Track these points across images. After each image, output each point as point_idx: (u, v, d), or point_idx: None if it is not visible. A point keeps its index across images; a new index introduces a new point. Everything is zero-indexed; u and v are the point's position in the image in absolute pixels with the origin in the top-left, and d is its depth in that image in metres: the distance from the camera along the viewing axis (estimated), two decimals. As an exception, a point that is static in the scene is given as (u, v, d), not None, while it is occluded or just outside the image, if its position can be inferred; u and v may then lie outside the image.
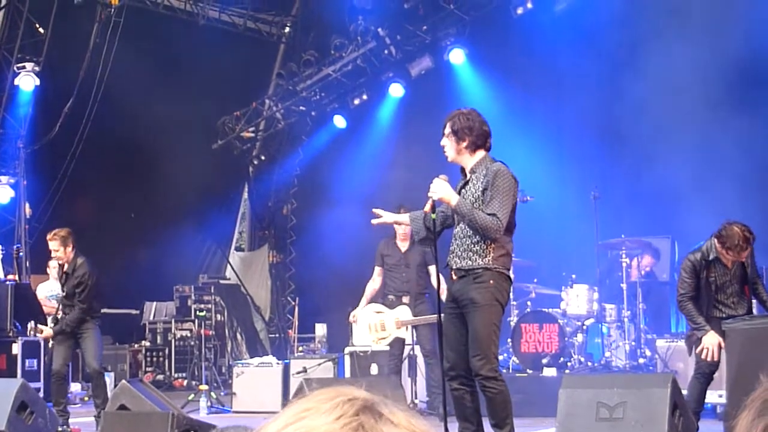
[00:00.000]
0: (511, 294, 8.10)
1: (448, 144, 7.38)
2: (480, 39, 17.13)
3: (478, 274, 7.14)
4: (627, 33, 14.46)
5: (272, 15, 21.19)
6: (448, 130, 7.37)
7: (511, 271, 7.46)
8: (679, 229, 13.24)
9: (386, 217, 8.19)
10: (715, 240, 8.68)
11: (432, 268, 11.22)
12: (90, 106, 17.58)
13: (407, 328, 11.53)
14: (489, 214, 6.99)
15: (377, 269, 12.10)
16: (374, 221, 8.23)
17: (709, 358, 8.61)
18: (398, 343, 11.78)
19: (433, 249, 7.44)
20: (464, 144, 7.32)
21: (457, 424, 7.34)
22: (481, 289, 7.13)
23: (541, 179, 13.92)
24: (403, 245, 11.94)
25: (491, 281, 7.14)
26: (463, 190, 7.28)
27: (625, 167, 14.52)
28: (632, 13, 14.46)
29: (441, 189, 7.11)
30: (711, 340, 8.60)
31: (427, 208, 7.22)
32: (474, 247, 7.20)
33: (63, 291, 11.32)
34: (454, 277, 7.31)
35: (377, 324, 11.70)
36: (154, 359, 18.38)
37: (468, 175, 7.36)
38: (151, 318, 19.16)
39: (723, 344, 8.54)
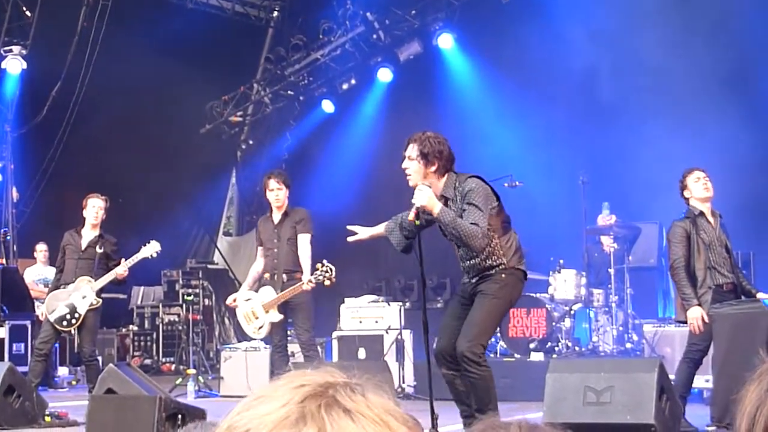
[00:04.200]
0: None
1: (413, 167, 7.22)
2: (469, 24, 17.12)
3: (494, 274, 7.25)
4: (617, 18, 14.44)
5: (260, -1, 21.15)
6: (415, 152, 7.20)
7: (523, 264, 7.48)
8: (666, 215, 13.25)
9: (362, 233, 8.15)
10: (685, 185, 9.08)
11: (302, 237, 10.55)
12: (77, 90, 17.54)
13: (278, 309, 10.43)
14: (471, 224, 6.99)
15: (258, 249, 10.95)
16: (350, 239, 8.19)
17: (695, 332, 8.65)
18: (277, 330, 10.62)
19: (418, 255, 7.28)
20: (432, 168, 7.20)
21: (442, 407, 7.34)
22: (491, 282, 7.25)
23: (529, 164, 13.93)
24: (277, 216, 10.72)
25: (503, 275, 7.22)
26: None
27: (614, 152, 14.51)
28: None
29: (424, 197, 7.00)
30: (694, 313, 8.63)
31: (411, 216, 7.09)
32: (486, 262, 7.28)
33: (100, 249, 11.36)
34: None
35: (249, 313, 10.74)
36: (142, 343, 18.37)
37: (442, 202, 7.21)
38: (139, 302, 19.17)
39: (705, 317, 8.57)
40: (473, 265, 7.37)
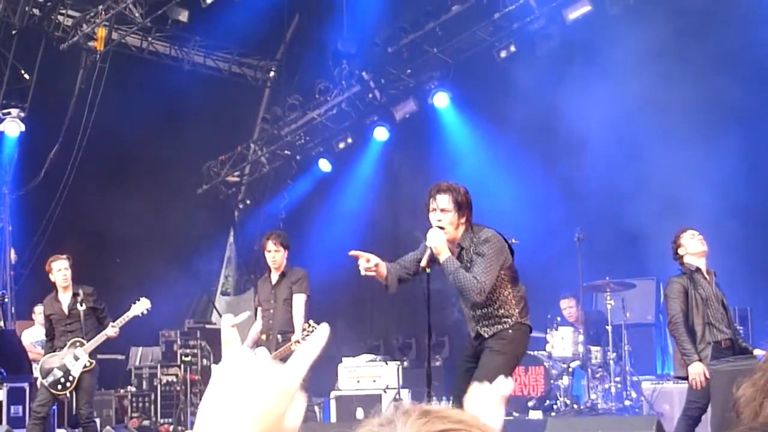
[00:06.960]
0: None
1: (447, 219, 7.09)
2: (464, 82, 17.22)
3: (501, 330, 7.22)
4: (611, 73, 14.50)
5: (257, 59, 21.27)
6: (450, 204, 7.07)
7: (528, 318, 7.45)
8: (663, 271, 13.24)
9: (364, 254, 7.95)
10: (680, 244, 9.24)
11: (297, 297, 10.55)
12: (75, 152, 17.61)
13: None
14: (473, 277, 7.00)
15: (257, 310, 11.00)
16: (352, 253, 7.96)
17: (696, 387, 8.65)
18: None
19: (427, 305, 7.23)
20: (464, 219, 7.16)
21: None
22: (497, 339, 7.22)
23: (525, 221, 13.95)
24: (274, 277, 10.81)
25: (510, 331, 7.22)
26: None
27: (610, 209, 14.52)
28: (615, 54, 14.53)
29: (437, 239, 7.02)
30: (696, 369, 8.66)
31: (424, 262, 7.05)
32: (498, 312, 7.26)
33: (82, 306, 11.29)
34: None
35: None
36: (140, 404, 18.25)
37: (457, 251, 7.23)
38: (137, 363, 19.06)
39: (707, 372, 8.58)
40: (485, 314, 7.32)
